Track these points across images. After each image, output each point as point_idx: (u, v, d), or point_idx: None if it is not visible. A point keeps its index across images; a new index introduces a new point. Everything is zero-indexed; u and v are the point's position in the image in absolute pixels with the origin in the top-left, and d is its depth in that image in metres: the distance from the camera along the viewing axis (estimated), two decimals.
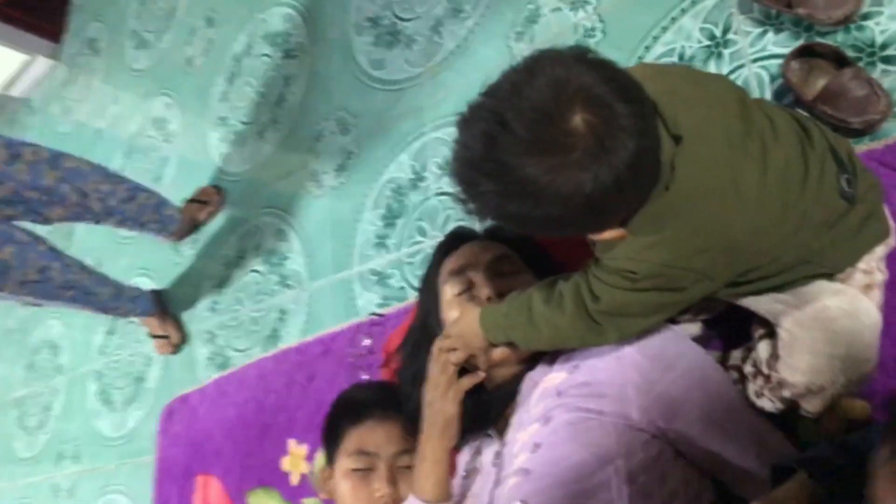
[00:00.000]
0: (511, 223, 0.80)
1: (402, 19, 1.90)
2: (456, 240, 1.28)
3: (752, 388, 1.03)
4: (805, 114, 1.00)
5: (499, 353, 1.10)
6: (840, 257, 0.93)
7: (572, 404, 1.02)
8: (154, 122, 2.69)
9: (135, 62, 2.88)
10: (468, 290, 1.17)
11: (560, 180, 0.72)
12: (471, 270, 1.17)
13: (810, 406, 0.98)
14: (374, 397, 1.38)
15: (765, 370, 1.00)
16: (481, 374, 1.14)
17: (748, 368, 1.05)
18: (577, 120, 0.71)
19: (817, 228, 0.88)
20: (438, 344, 1.14)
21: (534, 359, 1.14)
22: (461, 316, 1.12)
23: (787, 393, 0.97)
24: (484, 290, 1.14)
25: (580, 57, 0.75)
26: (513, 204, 0.75)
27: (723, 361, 1.13)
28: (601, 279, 0.89)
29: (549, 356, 1.13)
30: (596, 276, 0.90)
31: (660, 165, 0.79)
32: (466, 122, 0.78)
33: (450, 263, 1.22)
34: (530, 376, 1.12)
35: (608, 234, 0.84)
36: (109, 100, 2.99)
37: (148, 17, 2.88)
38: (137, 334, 2.42)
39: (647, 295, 0.87)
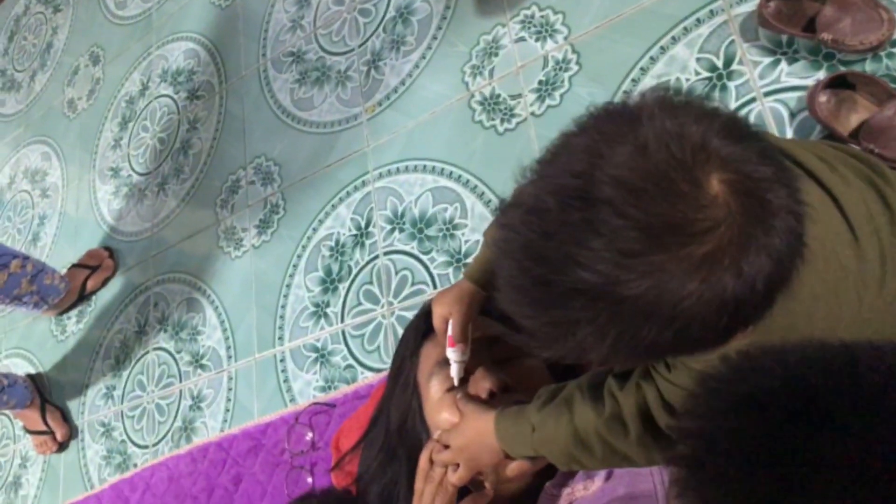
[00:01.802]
0: (617, 358, 0.53)
1: (331, 53, 1.66)
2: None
3: None
4: None
5: (515, 467, 0.86)
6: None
7: None
8: (28, 175, 2.30)
9: (2, 106, 2.48)
10: (463, 384, 0.92)
11: (702, 283, 0.47)
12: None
13: None
14: None
15: None
16: (488, 495, 0.89)
17: None
18: (714, 184, 0.46)
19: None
20: (433, 457, 0.88)
21: (551, 465, 0.90)
22: (464, 423, 0.87)
23: None
24: (485, 384, 0.89)
25: (691, 106, 0.50)
26: (619, 330, 0.48)
27: None
28: (680, 386, 0.66)
29: None
30: (671, 381, 0.66)
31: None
32: (515, 222, 0.51)
33: (433, 350, 0.97)
34: (549, 488, 0.88)
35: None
36: None
37: (18, 54, 2.50)
38: (11, 430, 2.00)
39: None
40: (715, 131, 0.48)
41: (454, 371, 0.92)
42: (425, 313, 1.05)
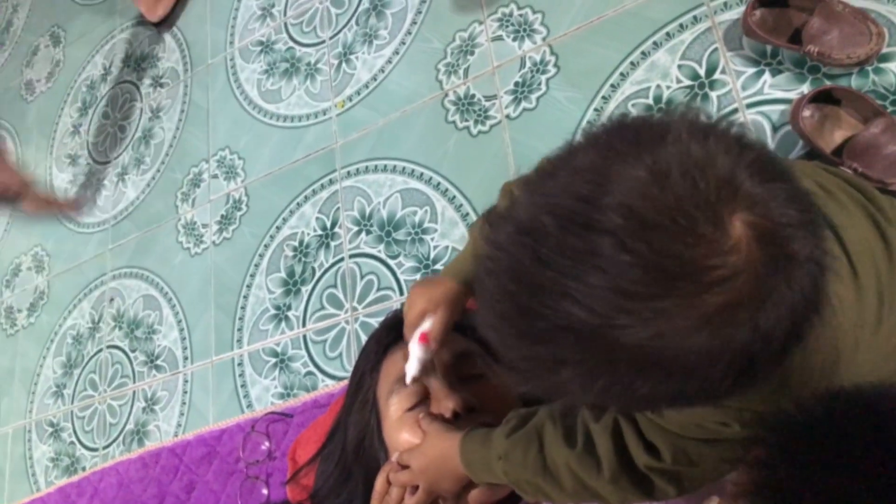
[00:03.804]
0: (603, 404, 0.49)
1: (301, 44, 1.59)
2: (395, 332, 0.97)
3: None
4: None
5: (477, 495, 0.81)
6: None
7: None
8: None
9: None
10: (423, 402, 0.87)
11: (712, 337, 0.41)
12: (425, 376, 0.88)
13: None
14: None
15: None
16: None
17: None
18: (737, 227, 0.40)
19: None
20: (391, 477, 0.83)
21: (514, 494, 0.85)
22: (426, 444, 0.81)
23: None
24: (448, 403, 0.84)
25: (722, 133, 0.44)
26: (609, 378, 0.43)
27: None
28: (663, 427, 0.61)
29: None
30: (653, 421, 0.61)
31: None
32: (503, 239, 0.45)
33: (393, 366, 0.92)
34: None
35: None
36: None
37: None
38: None
39: (731, 444, 0.60)
40: (745, 166, 0.41)
41: (412, 367, 0.85)
42: (388, 326, 0.99)
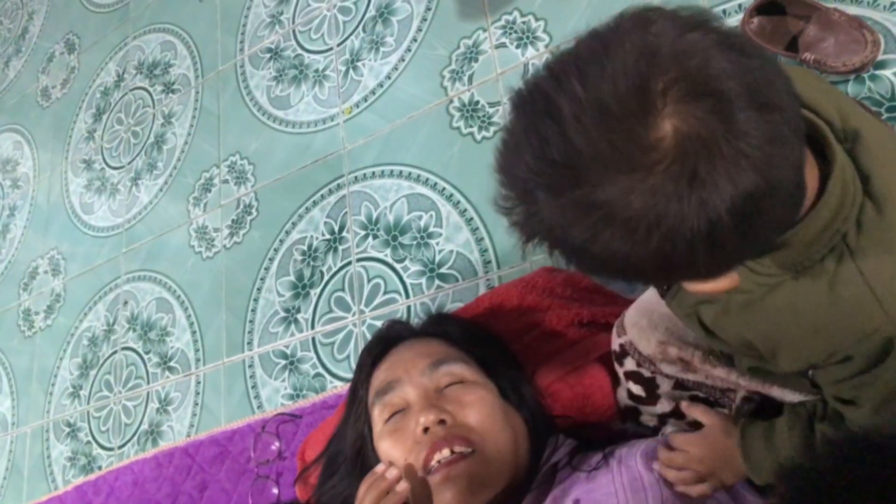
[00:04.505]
0: (570, 256, 0.52)
1: (309, 51, 1.62)
2: (385, 343, 1.00)
3: None
4: None
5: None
6: None
7: None
8: None
9: None
10: (399, 412, 0.89)
11: (634, 206, 0.45)
12: (401, 388, 0.90)
13: None
14: None
15: None
16: None
17: None
18: (667, 128, 0.45)
19: None
20: (661, 457, 0.82)
21: (514, 492, 0.87)
22: (707, 433, 0.82)
23: None
24: (420, 420, 0.86)
25: (697, 23, 0.47)
26: (576, 228, 0.48)
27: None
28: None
29: (537, 487, 0.87)
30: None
31: (796, 207, 0.53)
32: (518, 104, 0.50)
33: (377, 378, 0.94)
34: None
35: (712, 286, 0.56)
36: None
37: None
38: None
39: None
40: (706, 57, 0.45)
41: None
42: (379, 338, 1.02)
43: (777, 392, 0.78)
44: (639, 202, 0.45)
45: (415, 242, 1.33)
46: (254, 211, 1.58)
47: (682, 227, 0.45)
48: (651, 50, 0.45)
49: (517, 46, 1.32)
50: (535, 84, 0.49)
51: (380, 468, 0.88)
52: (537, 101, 0.48)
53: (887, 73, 0.98)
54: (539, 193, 0.49)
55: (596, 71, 0.46)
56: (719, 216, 0.45)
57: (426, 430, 0.85)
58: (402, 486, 0.85)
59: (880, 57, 0.98)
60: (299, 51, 1.64)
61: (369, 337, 1.31)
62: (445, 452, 0.84)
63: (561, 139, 0.46)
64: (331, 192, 1.47)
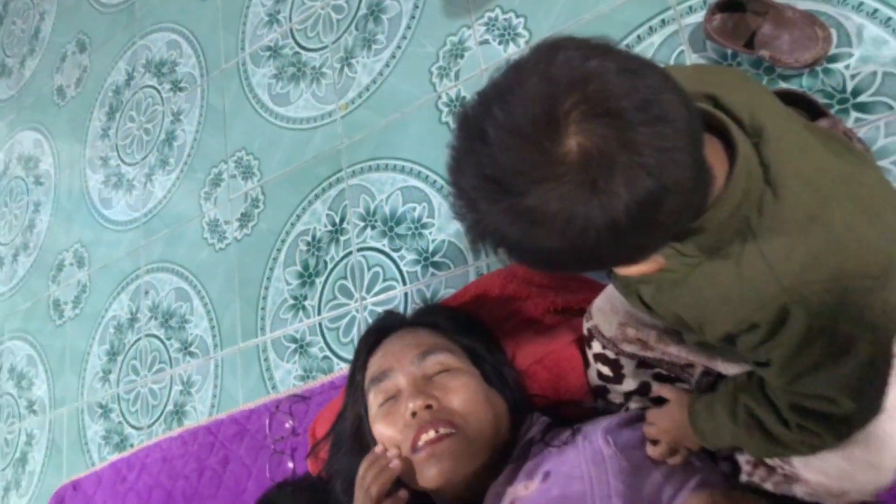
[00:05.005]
0: (512, 253, 0.61)
1: (306, 49, 1.70)
2: (378, 333, 1.10)
3: (745, 477, 0.91)
4: None
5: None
6: None
7: None
8: (21, 161, 2.36)
9: None
10: (392, 398, 0.99)
11: (551, 210, 0.54)
12: (392, 376, 1.00)
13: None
14: (304, 501, 1.19)
15: (769, 462, 0.87)
16: (403, 496, 0.96)
17: (746, 458, 0.92)
18: (572, 144, 0.53)
19: None
20: (645, 431, 0.93)
21: (495, 465, 0.98)
22: (670, 408, 0.91)
23: (798, 491, 0.85)
24: (408, 406, 0.96)
25: (599, 51, 0.55)
26: (511, 230, 0.57)
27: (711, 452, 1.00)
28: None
29: (514, 461, 0.97)
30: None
31: (702, 198, 0.61)
32: (459, 126, 0.60)
33: (372, 366, 1.04)
34: (494, 487, 0.96)
35: (639, 269, 0.66)
36: None
37: (7, 38, 2.53)
38: (14, 408, 2.11)
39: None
40: (604, 81, 0.54)
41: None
42: (375, 329, 1.11)
43: (721, 366, 0.87)
44: (554, 206, 0.54)
45: (410, 233, 1.41)
46: (261, 204, 1.67)
47: (588, 225, 0.54)
48: (556, 78, 0.54)
49: (499, 43, 1.38)
50: (470, 109, 0.58)
51: (378, 449, 0.99)
52: (471, 126, 0.57)
53: (839, 66, 1.04)
54: (481, 203, 0.57)
55: (513, 99, 0.55)
56: (618, 216, 0.53)
57: (414, 414, 0.95)
58: (395, 464, 0.96)
59: (832, 51, 1.04)
60: (297, 49, 1.71)
61: (371, 321, 1.41)
62: (431, 433, 0.94)
63: (489, 159, 0.55)
64: (331, 185, 1.56)
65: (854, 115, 1.02)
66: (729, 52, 1.12)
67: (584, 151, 0.53)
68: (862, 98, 1.01)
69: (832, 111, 1.02)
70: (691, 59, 1.16)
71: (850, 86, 1.03)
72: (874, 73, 1.02)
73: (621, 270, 0.66)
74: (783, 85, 1.07)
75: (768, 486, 0.85)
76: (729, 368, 0.87)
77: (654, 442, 0.91)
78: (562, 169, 0.53)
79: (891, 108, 1.00)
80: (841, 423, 0.71)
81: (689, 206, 0.58)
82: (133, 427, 1.81)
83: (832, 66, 1.05)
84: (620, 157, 0.53)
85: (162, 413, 1.75)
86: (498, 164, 0.55)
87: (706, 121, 0.65)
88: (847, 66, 1.03)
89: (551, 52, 0.56)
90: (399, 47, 1.53)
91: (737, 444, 0.81)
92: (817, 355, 0.66)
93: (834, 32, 1.04)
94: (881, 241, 0.66)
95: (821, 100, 1.03)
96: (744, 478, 0.88)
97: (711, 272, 0.67)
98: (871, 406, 0.71)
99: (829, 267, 0.64)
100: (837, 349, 0.66)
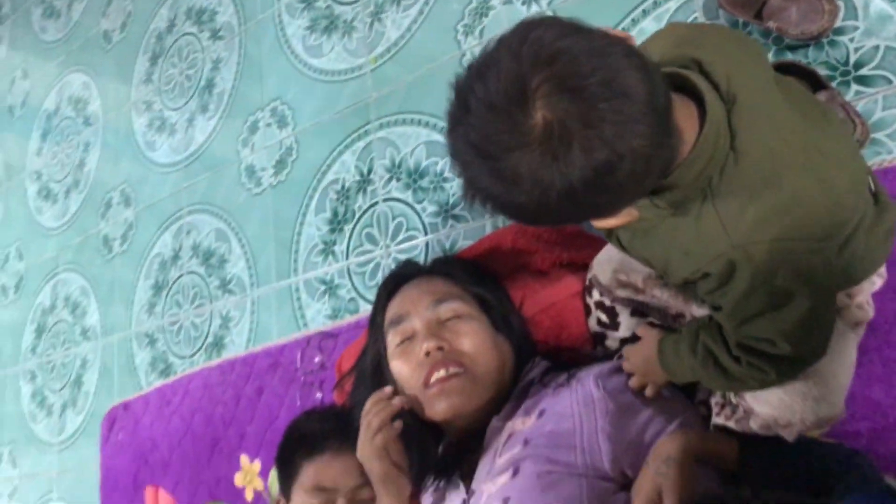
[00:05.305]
0: (496, 208, 0.70)
1: (339, 2, 1.75)
2: (398, 280, 1.20)
3: (717, 420, 1.00)
4: None
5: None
6: (867, 262, 0.86)
7: (541, 455, 0.98)
8: (71, 102, 2.48)
9: (44, 33, 2.63)
10: (409, 339, 1.10)
11: (522, 172, 0.63)
12: (409, 320, 1.10)
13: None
14: (329, 428, 1.31)
15: (732, 399, 0.97)
16: (397, 426, 1.08)
17: (715, 399, 1.02)
18: (538, 117, 0.62)
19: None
20: (624, 366, 1.03)
21: (498, 403, 1.08)
22: (642, 345, 1.00)
23: (753, 424, 0.94)
24: (423, 346, 1.06)
25: (569, 31, 0.63)
26: (493, 188, 0.67)
27: (690, 394, 1.09)
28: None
29: (514, 399, 1.08)
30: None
31: (666, 160, 0.69)
32: (452, 91, 0.69)
33: (391, 310, 1.15)
34: (495, 421, 1.07)
35: (612, 221, 0.74)
36: (18, 73, 2.74)
37: None
38: (70, 333, 2.28)
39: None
40: (567, 61, 0.62)
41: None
42: (394, 275, 1.21)
43: (696, 311, 0.96)
44: (524, 170, 0.63)
45: (432, 186, 1.50)
46: (294, 153, 1.77)
47: (550, 187, 0.63)
48: (527, 56, 0.63)
49: (522, 3, 1.43)
50: (460, 81, 0.68)
51: (387, 389, 1.10)
52: (459, 96, 0.67)
53: (844, 38, 1.08)
54: (469, 165, 0.67)
55: (491, 73, 0.64)
56: (572, 181, 0.63)
57: (428, 354, 1.06)
58: (397, 401, 1.08)
59: (838, 24, 1.07)
60: (329, 1, 1.77)
61: (394, 266, 1.52)
62: (441, 372, 1.05)
63: (472, 128, 0.65)
64: (359, 137, 1.64)
65: (854, 87, 1.06)
66: (740, 21, 1.16)
67: (547, 123, 0.62)
68: (863, 71, 1.05)
69: (834, 83, 1.06)
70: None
71: (852, 59, 1.07)
72: (876, 48, 1.05)
73: (598, 223, 0.75)
74: (789, 55, 1.11)
75: (731, 423, 0.94)
76: (702, 313, 0.95)
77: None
78: (529, 138, 0.62)
79: (890, 81, 1.04)
80: (782, 363, 0.81)
81: (648, 169, 0.66)
82: (177, 356, 1.96)
83: (837, 38, 1.08)
84: (579, 130, 0.61)
85: (203, 344, 1.89)
86: (479, 132, 0.65)
87: (684, 85, 0.74)
88: (852, 39, 1.07)
89: (527, 30, 0.65)
90: (427, 3, 1.58)
91: (696, 378, 0.92)
92: (760, 305, 0.76)
93: (841, 5, 1.07)
94: (830, 208, 0.74)
95: (824, 71, 1.07)
96: (715, 420, 0.97)
97: (675, 225, 0.76)
98: (812, 349, 0.81)
99: (774, 229, 0.72)
100: (778, 301, 0.75)
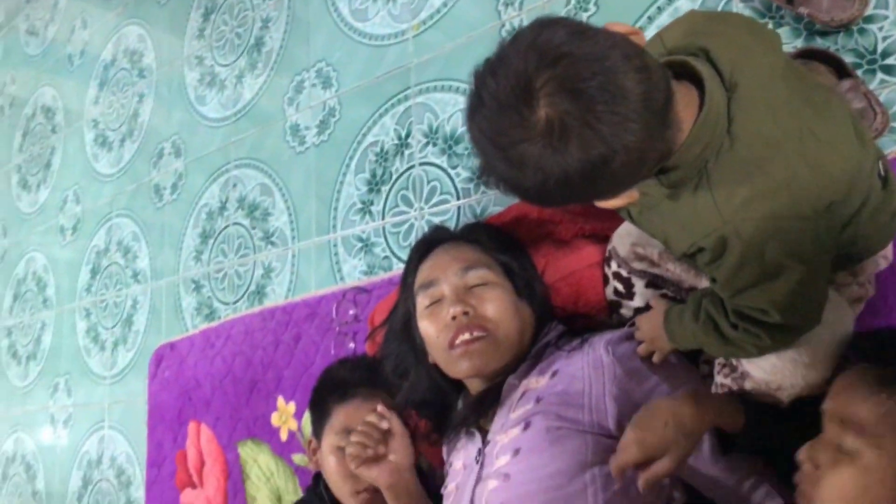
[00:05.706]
0: (507, 189, 0.79)
1: None
2: (429, 244, 1.27)
3: (718, 379, 1.06)
4: None
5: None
6: (872, 241, 0.92)
7: (551, 412, 1.06)
8: (127, 54, 2.58)
9: None
10: (437, 302, 1.17)
11: (528, 160, 0.72)
12: (438, 284, 1.18)
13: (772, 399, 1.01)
14: (359, 376, 1.41)
15: (733, 361, 1.03)
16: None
17: (718, 360, 1.07)
18: (541, 114, 0.70)
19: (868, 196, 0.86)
20: (636, 335, 1.09)
21: (516, 363, 1.16)
22: (652, 315, 1.07)
23: (748, 385, 1.00)
24: (450, 311, 1.14)
25: (578, 32, 0.71)
26: (505, 172, 0.75)
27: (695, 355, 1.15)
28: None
29: (531, 360, 1.16)
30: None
31: (663, 149, 0.76)
32: (471, 82, 0.76)
33: (421, 273, 1.22)
34: (512, 379, 1.15)
35: (614, 203, 0.82)
36: (78, 23, 2.85)
37: None
38: (122, 276, 2.42)
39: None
40: (570, 62, 0.69)
41: None
42: (425, 240, 1.29)
43: (706, 284, 1.02)
44: (529, 159, 0.72)
45: (466, 152, 1.56)
46: (337, 114, 1.84)
47: (550, 175, 0.72)
48: (534, 56, 0.70)
49: None
50: (477, 73, 0.76)
51: (380, 408, 1.27)
52: (476, 88, 0.75)
53: (874, 27, 1.09)
54: (486, 152, 0.76)
55: (502, 70, 0.72)
56: (569, 171, 0.71)
57: (454, 317, 1.14)
58: (385, 425, 1.22)
59: (869, 12, 1.09)
60: None
61: (427, 229, 1.59)
62: (466, 335, 1.13)
63: (484, 119, 0.74)
64: (399, 101, 1.70)
65: (880, 76, 1.08)
66: (774, 5, 1.18)
67: (549, 120, 0.70)
68: (889, 60, 1.08)
69: (860, 71, 1.08)
70: (738, 7, 1.23)
71: (880, 47, 1.09)
72: None
73: (602, 203, 0.82)
74: (819, 41, 1.13)
75: (729, 381, 1.00)
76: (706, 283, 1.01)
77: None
78: (533, 133, 0.71)
79: None
80: (775, 330, 0.87)
81: (643, 160, 0.74)
82: (221, 302, 2.08)
83: (867, 26, 1.10)
84: (577, 128, 0.69)
85: (245, 292, 2.01)
86: (490, 123, 0.73)
87: (689, 72, 0.80)
88: (881, 28, 1.09)
89: (537, 32, 0.72)
90: None
91: (698, 345, 0.99)
92: (751, 277, 0.82)
93: None
94: (820, 189, 0.80)
95: (851, 59, 1.10)
96: (716, 378, 1.03)
97: (675, 202, 0.84)
98: (803, 319, 0.88)
99: (764, 208, 0.79)
100: (769, 273, 0.82)
